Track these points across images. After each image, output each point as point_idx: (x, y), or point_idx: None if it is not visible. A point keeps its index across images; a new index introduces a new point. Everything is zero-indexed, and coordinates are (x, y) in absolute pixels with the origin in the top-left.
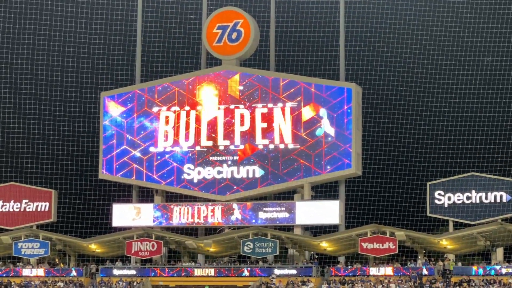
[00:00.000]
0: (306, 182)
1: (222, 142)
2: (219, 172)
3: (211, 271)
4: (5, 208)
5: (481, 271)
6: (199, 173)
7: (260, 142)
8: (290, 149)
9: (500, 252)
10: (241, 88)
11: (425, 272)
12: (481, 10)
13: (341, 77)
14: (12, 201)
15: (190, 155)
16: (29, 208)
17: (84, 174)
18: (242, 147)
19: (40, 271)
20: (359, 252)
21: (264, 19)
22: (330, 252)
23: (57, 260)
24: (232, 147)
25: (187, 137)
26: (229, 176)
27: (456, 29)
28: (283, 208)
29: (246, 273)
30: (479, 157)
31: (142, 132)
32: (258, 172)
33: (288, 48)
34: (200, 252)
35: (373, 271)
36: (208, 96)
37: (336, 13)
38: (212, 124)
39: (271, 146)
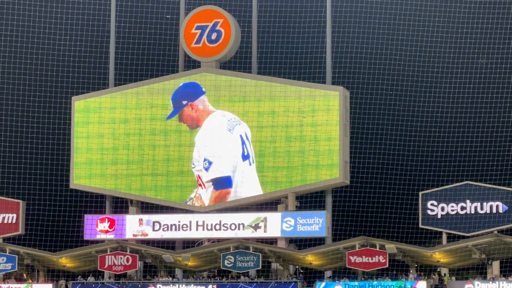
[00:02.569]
0: (291, 192)
1: None
2: None
3: None
4: None
5: None
6: None
7: None
8: None
9: (496, 265)
10: None
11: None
12: (474, 9)
13: (328, 80)
14: None
15: None
16: None
17: (54, 183)
18: None
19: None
20: (347, 266)
21: (245, 19)
22: (316, 266)
23: (25, 275)
24: None
25: None
26: None
27: (448, 31)
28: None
29: None
30: (474, 165)
31: None
32: None
33: (271, 49)
34: (178, 267)
35: None
36: None
37: (322, 12)
38: None
39: None
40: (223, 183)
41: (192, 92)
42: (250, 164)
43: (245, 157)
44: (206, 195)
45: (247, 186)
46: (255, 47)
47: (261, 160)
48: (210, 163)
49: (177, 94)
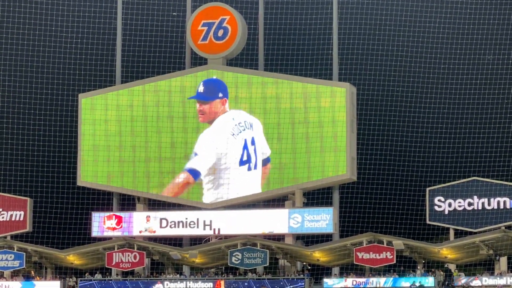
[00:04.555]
0: (298, 189)
1: None
2: None
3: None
4: None
5: None
6: None
7: None
8: None
9: (503, 261)
10: None
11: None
12: (481, 5)
13: (335, 77)
14: None
15: None
16: (2, 217)
17: (61, 181)
18: None
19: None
20: (354, 263)
21: (252, 16)
22: (324, 263)
23: (32, 272)
24: None
25: None
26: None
27: (455, 26)
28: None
29: None
30: (481, 161)
31: None
32: None
33: (278, 46)
34: (185, 264)
35: None
36: None
37: (329, 8)
38: None
39: None
40: (192, 173)
41: (225, 89)
42: (249, 169)
43: (242, 162)
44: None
45: (244, 188)
46: (262, 44)
47: (272, 157)
48: (195, 154)
49: (212, 83)
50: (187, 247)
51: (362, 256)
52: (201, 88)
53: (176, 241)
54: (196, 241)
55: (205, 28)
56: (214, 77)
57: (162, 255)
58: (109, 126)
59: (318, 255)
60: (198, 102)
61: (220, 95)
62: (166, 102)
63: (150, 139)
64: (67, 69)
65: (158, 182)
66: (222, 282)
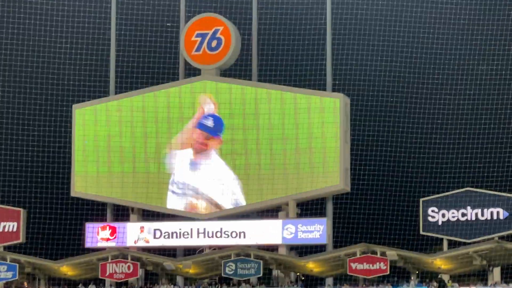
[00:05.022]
0: (291, 199)
1: None
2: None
3: None
4: None
5: None
6: None
7: None
8: None
9: (497, 272)
10: None
11: None
12: (475, 16)
13: (328, 87)
14: None
15: None
16: None
17: (55, 191)
18: None
19: None
20: (348, 273)
21: (245, 26)
22: (317, 273)
23: (25, 284)
24: None
25: None
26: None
27: (449, 37)
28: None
29: None
30: (474, 171)
31: None
32: None
33: (272, 57)
34: (179, 274)
35: None
36: None
37: (323, 19)
38: None
39: None
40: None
41: (222, 128)
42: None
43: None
44: None
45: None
46: (255, 54)
47: (264, 167)
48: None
49: (219, 120)
50: (181, 257)
51: (356, 266)
52: (210, 123)
53: (170, 252)
54: (190, 251)
55: (199, 39)
56: (217, 115)
57: (156, 266)
58: (103, 137)
59: (312, 265)
60: (202, 133)
61: (220, 133)
62: (163, 113)
63: (147, 150)
64: (61, 79)
65: (154, 193)
66: None
